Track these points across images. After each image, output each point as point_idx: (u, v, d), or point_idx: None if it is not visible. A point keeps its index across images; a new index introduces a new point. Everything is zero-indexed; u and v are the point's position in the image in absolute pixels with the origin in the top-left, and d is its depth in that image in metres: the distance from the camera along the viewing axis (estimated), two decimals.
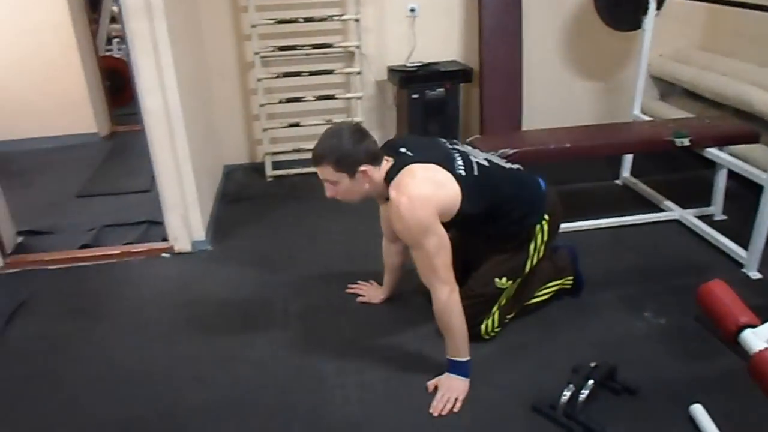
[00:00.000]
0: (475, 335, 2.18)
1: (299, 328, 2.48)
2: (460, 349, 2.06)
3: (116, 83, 5.29)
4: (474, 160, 2.08)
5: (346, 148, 1.93)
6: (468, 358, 2.07)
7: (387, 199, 1.98)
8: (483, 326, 2.27)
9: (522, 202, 2.19)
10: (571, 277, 2.56)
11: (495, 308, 2.29)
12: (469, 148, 2.20)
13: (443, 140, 2.17)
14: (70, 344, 2.43)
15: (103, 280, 2.89)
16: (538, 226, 2.22)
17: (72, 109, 4.76)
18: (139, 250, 3.07)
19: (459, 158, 2.05)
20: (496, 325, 2.31)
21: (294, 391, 2.13)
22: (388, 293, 2.60)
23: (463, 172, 2.01)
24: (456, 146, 2.15)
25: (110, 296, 2.77)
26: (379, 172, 2.00)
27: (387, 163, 2.02)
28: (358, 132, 1.99)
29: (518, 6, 3.86)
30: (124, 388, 2.18)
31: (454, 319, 1.99)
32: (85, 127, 4.84)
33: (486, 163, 2.12)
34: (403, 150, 2.03)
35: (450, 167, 1.99)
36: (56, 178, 4.20)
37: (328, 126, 2.06)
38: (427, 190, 1.92)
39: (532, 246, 2.24)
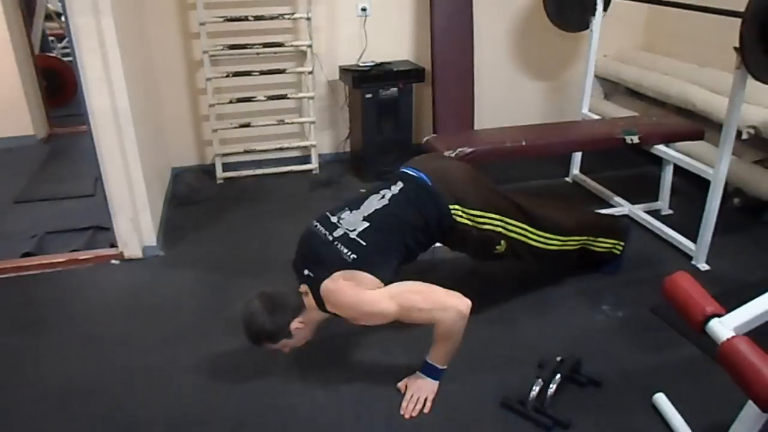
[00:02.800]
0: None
1: None
2: (445, 358, 2.04)
3: (53, 83, 5.07)
4: (354, 235, 1.96)
5: (268, 328, 1.96)
6: (446, 367, 2.06)
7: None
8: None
9: (422, 218, 2.07)
10: (622, 244, 2.69)
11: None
12: (347, 215, 2.04)
13: (323, 232, 2.01)
14: (17, 358, 2.30)
15: (50, 289, 2.75)
16: (456, 218, 2.12)
17: (7, 111, 4.52)
18: (87, 257, 2.94)
19: (341, 245, 1.94)
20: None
21: (260, 399, 2.08)
22: None
23: (354, 256, 1.92)
24: (335, 231, 1.99)
25: (58, 306, 2.63)
26: (308, 312, 2.01)
27: (307, 296, 1.99)
28: (268, 302, 1.97)
29: (469, 6, 3.89)
30: (78, 402, 2.07)
31: (459, 333, 1.97)
32: (21, 130, 4.61)
33: (366, 224, 1.99)
34: (306, 272, 1.99)
35: (343, 262, 1.91)
36: None
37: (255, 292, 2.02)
38: (355, 293, 1.89)
39: (473, 228, 2.16)
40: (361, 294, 1.90)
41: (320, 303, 1.96)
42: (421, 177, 2.15)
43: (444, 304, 1.91)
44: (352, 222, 2.01)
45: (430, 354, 2.04)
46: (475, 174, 2.29)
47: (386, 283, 1.95)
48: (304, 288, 2.02)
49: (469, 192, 2.18)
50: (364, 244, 1.94)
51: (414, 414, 1.98)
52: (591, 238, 2.57)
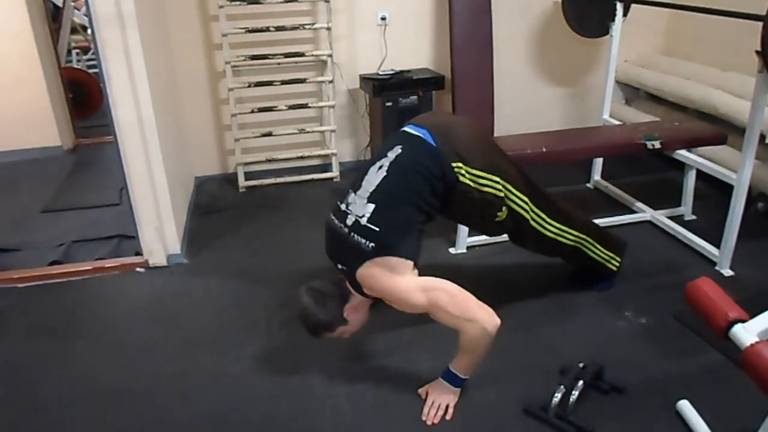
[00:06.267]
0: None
1: (283, 340, 2.45)
2: (468, 369, 2.04)
3: (79, 95, 5.17)
4: (365, 221, 1.93)
5: (323, 319, 2.03)
6: (468, 377, 2.06)
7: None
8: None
9: (425, 180, 1.99)
10: (619, 260, 2.64)
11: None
12: (353, 199, 2.01)
13: (338, 224, 2.00)
14: (46, 364, 2.35)
15: (77, 296, 2.81)
16: (460, 177, 2.03)
17: (35, 122, 4.63)
18: (112, 265, 2.99)
19: (357, 236, 1.93)
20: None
21: (282, 405, 2.10)
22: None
23: (372, 244, 1.91)
24: (347, 220, 1.98)
25: (85, 313, 2.69)
26: (354, 296, 2.07)
27: (346, 283, 2.07)
28: (317, 294, 2.04)
29: (488, 14, 3.91)
30: (106, 408, 2.11)
31: (483, 349, 1.97)
32: (48, 141, 4.71)
33: (372, 206, 1.94)
34: (339, 266, 2.05)
35: (365, 253, 1.92)
36: (20, 193, 4.07)
37: (304, 290, 2.06)
38: (389, 279, 1.93)
39: (474, 190, 2.08)
40: (394, 280, 1.93)
41: (358, 288, 2.02)
42: (422, 134, 2.05)
43: (472, 315, 1.91)
44: (359, 207, 1.98)
45: (454, 362, 2.04)
46: (482, 133, 2.22)
47: (414, 260, 1.98)
48: (342, 279, 2.08)
49: (472, 150, 2.07)
50: (377, 229, 1.92)
51: (436, 421, 1.98)
52: (589, 240, 2.50)
